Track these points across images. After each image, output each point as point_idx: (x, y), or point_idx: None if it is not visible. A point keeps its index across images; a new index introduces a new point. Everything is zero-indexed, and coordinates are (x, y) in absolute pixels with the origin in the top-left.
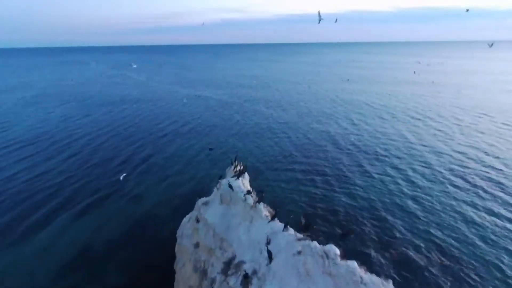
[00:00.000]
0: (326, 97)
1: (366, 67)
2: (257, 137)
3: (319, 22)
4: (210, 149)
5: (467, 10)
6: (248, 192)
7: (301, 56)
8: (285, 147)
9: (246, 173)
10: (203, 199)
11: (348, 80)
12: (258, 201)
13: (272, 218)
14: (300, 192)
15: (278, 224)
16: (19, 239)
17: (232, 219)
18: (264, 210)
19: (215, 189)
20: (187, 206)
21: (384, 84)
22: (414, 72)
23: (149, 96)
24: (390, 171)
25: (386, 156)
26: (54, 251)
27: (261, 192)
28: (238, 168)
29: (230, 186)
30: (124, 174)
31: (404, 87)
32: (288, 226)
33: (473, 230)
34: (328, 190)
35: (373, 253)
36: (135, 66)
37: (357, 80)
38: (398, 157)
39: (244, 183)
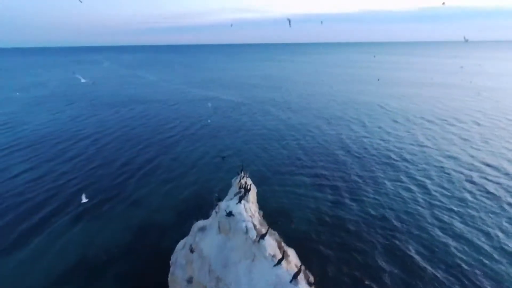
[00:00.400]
0: (349, 99)
1: (391, 68)
2: (265, 139)
3: (290, 26)
4: (223, 158)
5: (443, 3)
6: (254, 225)
7: (314, 56)
8: (294, 150)
9: (252, 190)
10: (200, 223)
11: (379, 80)
12: (263, 235)
13: (279, 262)
14: (307, 198)
15: (285, 273)
16: (14, 244)
17: (231, 254)
18: (270, 248)
19: (213, 213)
20: (190, 212)
21: (422, 86)
22: (461, 67)
23: (158, 96)
24: (405, 179)
25: (401, 162)
26: (49, 258)
27: (266, 219)
28: (244, 181)
29: (230, 214)
30: (85, 200)
31: (445, 90)
32: (298, 278)
33: (498, 249)
34: (337, 197)
35: (384, 269)
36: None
37: (389, 81)
38: (416, 164)
39: (247, 207)
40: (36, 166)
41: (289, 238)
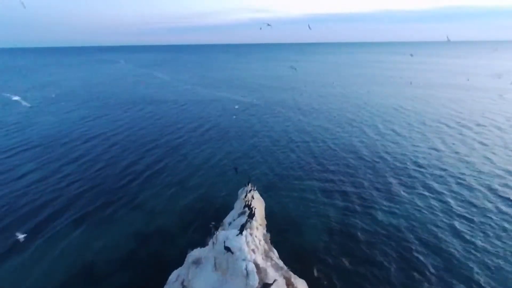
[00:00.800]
0: (374, 102)
1: (421, 69)
2: (274, 142)
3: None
4: (236, 169)
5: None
6: (257, 265)
7: (327, 56)
8: (303, 154)
9: (259, 205)
10: (195, 253)
11: (411, 83)
12: (268, 286)
13: None
14: (317, 205)
15: None
16: (11, 248)
17: None
18: None
19: (210, 243)
20: (195, 218)
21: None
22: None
23: (169, 96)
24: (420, 187)
25: (418, 168)
26: (47, 263)
27: (274, 230)
28: (250, 195)
29: (227, 249)
30: (22, 236)
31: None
32: None
33: None
34: (348, 205)
35: (398, 285)
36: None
37: (423, 84)
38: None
39: (249, 240)
40: (41, 167)
41: (297, 252)
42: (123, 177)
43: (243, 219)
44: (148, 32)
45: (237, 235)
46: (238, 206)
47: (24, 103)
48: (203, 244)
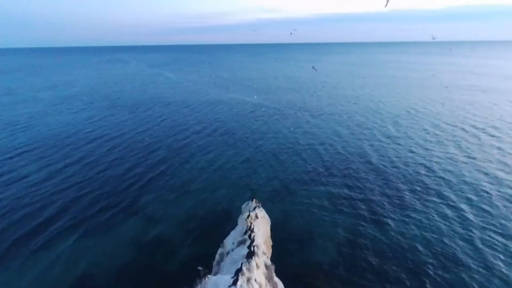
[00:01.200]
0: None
1: (449, 70)
2: (282, 146)
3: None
4: (251, 191)
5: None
6: None
7: (341, 56)
8: (312, 160)
9: (264, 224)
10: None
11: (447, 87)
12: None
13: None
14: (324, 218)
15: None
16: (1, 256)
17: None
18: None
19: None
20: (197, 229)
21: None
22: None
23: (178, 96)
24: (438, 199)
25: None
26: (38, 273)
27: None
28: (253, 215)
29: None
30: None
31: None
32: None
33: None
34: (359, 219)
35: None
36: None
37: (459, 88)
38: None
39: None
40: (43, 169)
41: (303, 268)
42: (124, 180)
43: (243, 250)
44: (160, 32)
45: (230, 286)
46: (240, 228)
47: (33, 102)
48: (203, 258)
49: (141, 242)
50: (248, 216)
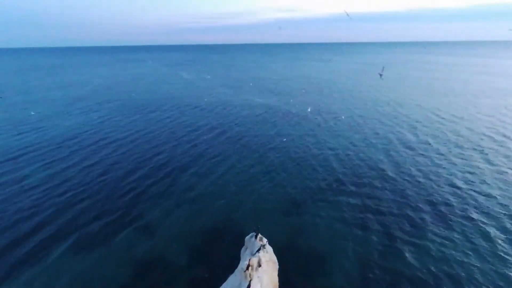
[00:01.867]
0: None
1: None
2: (298, 152)
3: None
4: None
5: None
6: None
7: (359, 56)
8: (331, 169)
9: (272, 270)
10: None
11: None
12: None
13: None
14: (346, 237)
15: None
16: None
17: None
18: None
19: None
20: (202, 249)
21: None
22: None
23: (191, 98)
24: (478, 216)
25: (474, 197)
26: None
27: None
28: (256, 263)
29: None
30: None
31: None
32: None
33: None
34: (386, 238)
35: None
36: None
37: (486, 91)
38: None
39: None
40: (41, 172)
41: None
42: (123, 187)
43: None
44: (177, 32)
45: None
46: (238, 281)
47: (46, 102)
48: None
49: (141, 261)
50: (248, 266)
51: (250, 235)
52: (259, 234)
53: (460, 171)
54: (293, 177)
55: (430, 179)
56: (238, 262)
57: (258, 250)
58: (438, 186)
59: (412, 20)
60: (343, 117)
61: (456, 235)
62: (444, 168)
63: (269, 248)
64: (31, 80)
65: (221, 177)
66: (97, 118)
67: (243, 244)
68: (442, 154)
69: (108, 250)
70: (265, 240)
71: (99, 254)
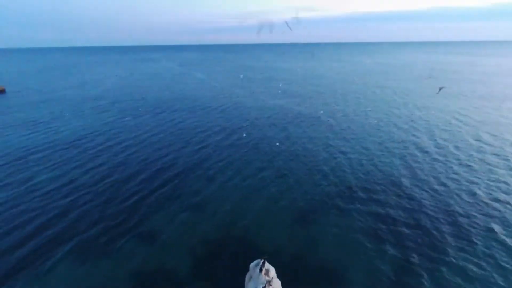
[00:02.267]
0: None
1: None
2: (309, 157)
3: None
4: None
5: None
6: None
7: (377, 56)
8: (344, 176)
9: None
10: None
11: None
12: None
13: None
14: (361, 251)
15: None
16: None
17: None
18: None
19: None
20: (208, 261)
21: None
22: None
23: (202, 98)
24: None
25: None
26: None
27: None
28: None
29: None
30: None
31: None
32: None
33: None
34: (404, 253)
35: None
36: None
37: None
38: None
39: None
40: (51, 175)
41: None
42: (133, 194)
43: None
44: (193, 32)
45: None
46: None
47: (59, 101)
48: None
49: (142, 273)
50: None
51: (256, 262)
52: (266, 263)
53: (482, 179)
54: (303, 182)
55: (449, 188)
56: (242, 275)
57: (265, 287)
58: (458, 196)
59: (434, 19)
60: (356, 119)
61: (478, 251)
62: (464, 176)
63: (276, 283)
64: (47, 79)
65: (228, 181)
66: (107, 118)
67: (248, 257)
68: (462, 161)
69: (107, 257)
70: (272, 273)
71: (98, 262)
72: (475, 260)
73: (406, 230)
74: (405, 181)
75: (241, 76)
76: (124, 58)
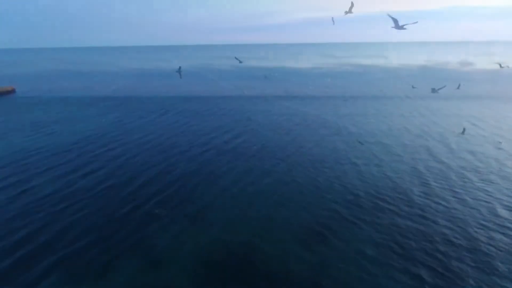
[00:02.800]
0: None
1: None
2: (315, 164)
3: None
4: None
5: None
6: None
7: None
8: (353, 186)
9: None
10: None
11: None
12: None
13: None
14: (376, 277)
15: None
16: None
17: None
18: None
19: None
20: (210, 279)
21: None
22: None
23: (209, 99)
24: None
25: None
26: None
27: None
28: None
29: None
30: None
31: None
32: None
33: None
34: (429, 277)
35: None
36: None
37: None
38: None
39: None
40: (47, 179)
41: None
42: (127, 202)
43: None
44: (205, 32)
45: None
46: None
47: (65, 103)
48: None
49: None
50: None
51: None
52: None
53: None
54: (309, 195)
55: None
56: None
57: None
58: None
59: (451, 18)
60: (365, 121)
61: (501, 273)
62: (482, 187)
63: None
64: (58, 79)
65: (225, 189)
66: (114, 120)
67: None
68: (481, 172)
69: (98, 281)
70: None
71: (86, 279)
72: (497, 281)
73: (421, 253)
74: (425, 194)
75: (245, 76)
76: (133, 56)
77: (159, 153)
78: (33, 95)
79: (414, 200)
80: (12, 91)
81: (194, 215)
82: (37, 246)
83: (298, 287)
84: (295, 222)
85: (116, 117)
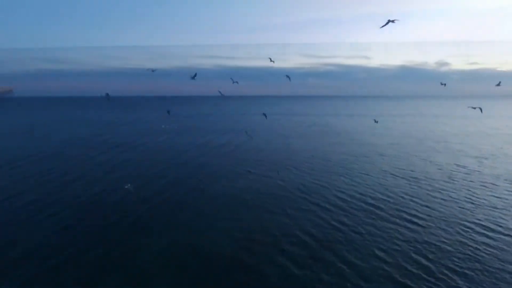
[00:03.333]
0: None
1: None
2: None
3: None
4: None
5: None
6: None
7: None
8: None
9: None
10: None
11: None
12: None
13: None
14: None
15: None
16: None
17: None
18: None
19: None
20: None
21: None
22: None
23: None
24: None
25: None
26: None
27: None
28: None
29: None
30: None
31: None
32: None
33: None
34: None
35: None
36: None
37: None
38: None
39: None
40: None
41: None
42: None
43: None
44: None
45: None
46: None
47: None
48: None
49: None
50: None
51: None
52: None
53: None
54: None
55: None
56: None
57: None
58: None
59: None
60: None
61: None
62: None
63: None
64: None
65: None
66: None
67: None
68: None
69: None
70: None
71: None
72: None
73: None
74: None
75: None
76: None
77: (155, 157)
78: (29, 95)
79: (395, 200)
80: (10, 91)
81: (177, 226)
82: (16, 257)
83: None
84: (276, 230)
85: (117, 117)
